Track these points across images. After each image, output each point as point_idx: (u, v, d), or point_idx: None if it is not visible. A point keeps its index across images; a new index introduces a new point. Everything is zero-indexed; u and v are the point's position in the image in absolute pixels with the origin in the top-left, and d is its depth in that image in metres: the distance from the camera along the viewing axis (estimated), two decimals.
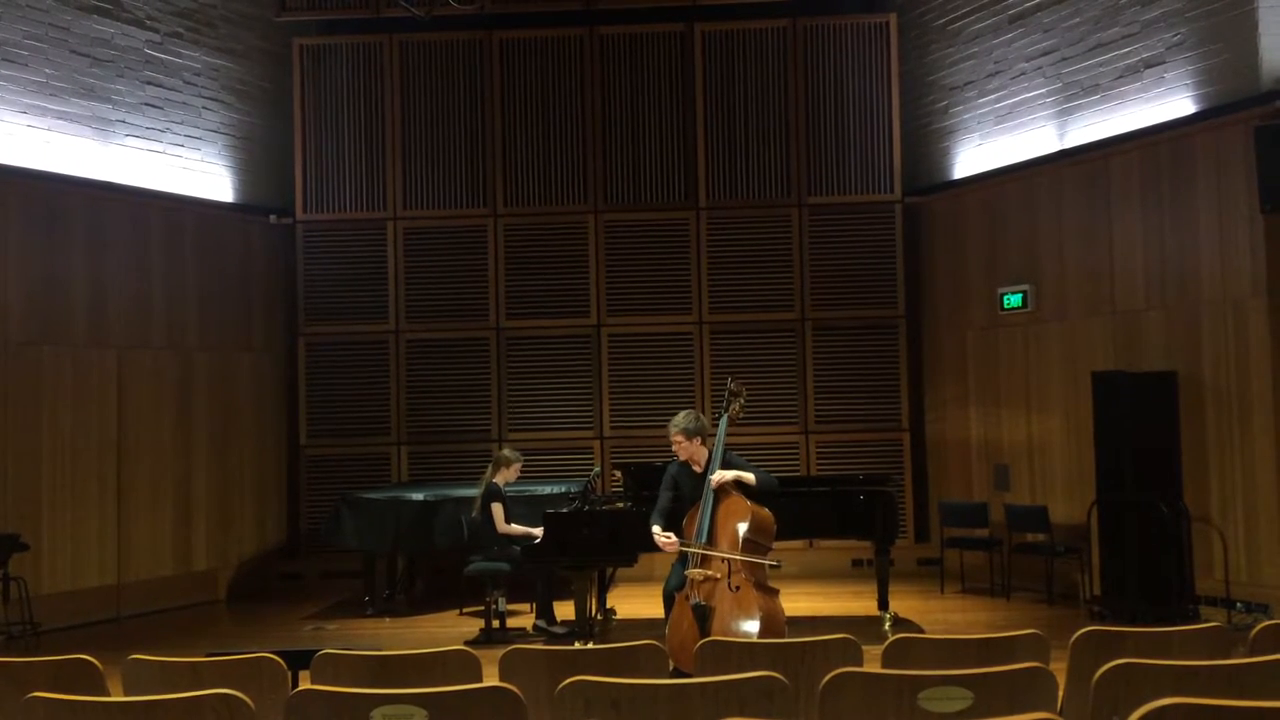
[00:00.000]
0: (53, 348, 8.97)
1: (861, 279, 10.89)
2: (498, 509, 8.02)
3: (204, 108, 10.41)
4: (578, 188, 11.07)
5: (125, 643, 7.10)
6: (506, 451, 8.41)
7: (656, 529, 6.34)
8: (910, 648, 3.73)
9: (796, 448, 10.80)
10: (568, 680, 3.07)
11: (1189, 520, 8.10)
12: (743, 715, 2.94)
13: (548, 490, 9.23)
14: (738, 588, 5.83)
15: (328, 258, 11.05)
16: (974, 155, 10.42)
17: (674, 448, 6.45)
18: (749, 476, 6.15)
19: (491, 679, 3.27)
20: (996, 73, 10.12)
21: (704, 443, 6.47)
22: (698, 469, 6.43)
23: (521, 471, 8.48)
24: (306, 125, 11.09)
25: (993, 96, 10.17)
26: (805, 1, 11.05)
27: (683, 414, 6.50)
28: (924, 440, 10.92)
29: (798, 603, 8.06)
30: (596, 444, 10.88)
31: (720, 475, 6.06)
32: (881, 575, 7.85)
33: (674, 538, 6.23)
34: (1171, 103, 8.53)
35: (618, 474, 9.11)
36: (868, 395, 10.84)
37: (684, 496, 6.44)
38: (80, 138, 9.31)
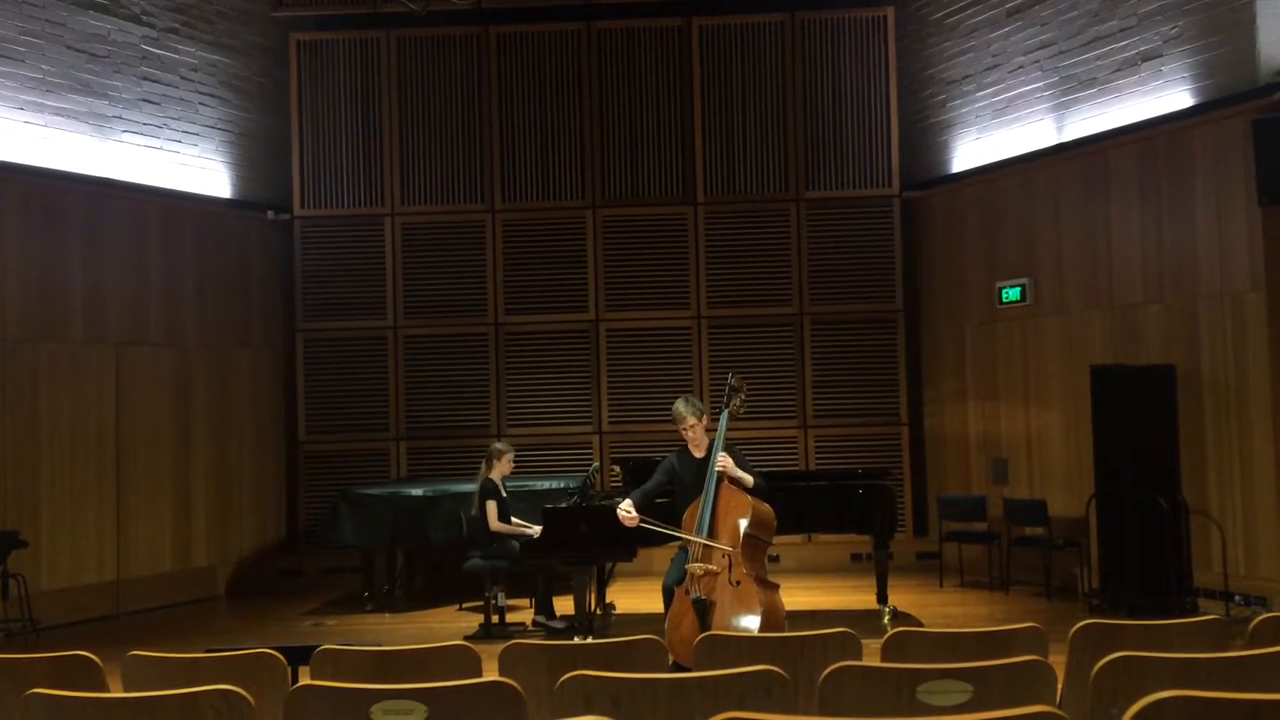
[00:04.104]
0: (50, 344, 8.96)
1: (859, 273, 10.89)
2: (490, 506, 7.99)
3: (201, 103, 10.40)
4: (576, 183, 11.06)
5: (125, 639, 7.10)
6: (498, 444, 8.38)
7: (625, 503, 6.39)
8: (909, 641, 3.73)
9: (795, 442, 10.81)
10: (567, 675, 3.07)
11: (1187, 513, 8.10)
12: (742, 709, 2.94)
13: (547, 486, 9.23)
14: (738, 582, 5.84)
15: (326, 254, 11.04)
16: (972, 149, 10.41)
17: (689, 433, 6.46)
18: (748, 479, 6.17)
19: (491, 674, 3.27)
20: (994, 66, 10.12)
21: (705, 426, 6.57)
22: (698, 453, 6.45)
23: (518, 464, 8.47)
24: (304, 121, 11.08)
25: (990, 90, 10.17)
26: None
27: (683, 400, 6.53)
28: (922, 434, 10.92)
29: (797, 597, 8.08)
30: (595, 439, 10.89)
31: (725, 459, 6.08)
32: (880, 569, 7.87)
33: (634, 514, 6.29)
34: (1169, 96, 8.52)
35: (617, 469, 9.12)
36: (866, 390, 10.84)
37: (682, 486, 6.45)
38: (77, 134, 9.30)
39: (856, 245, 10.91)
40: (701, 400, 10.15)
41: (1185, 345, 8.38)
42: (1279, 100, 7.67)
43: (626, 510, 6.36)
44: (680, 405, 6.52)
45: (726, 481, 6.13)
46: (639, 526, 6.37)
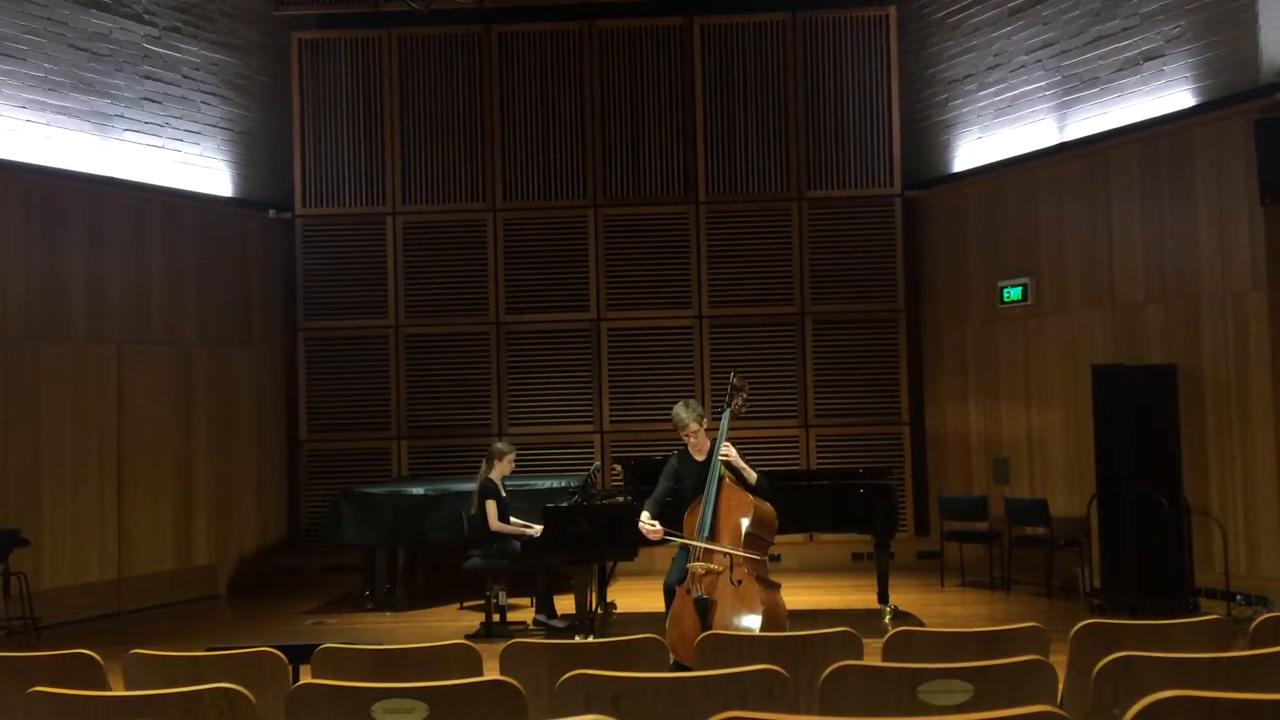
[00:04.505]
0: (52, 343, 8.96)
1: (861, 273, 10.88)
2: (490, 506, 7.99)
3: (203, 102, 10.40)
4: (577, 182, 11.06)
5: (126, 637, 7.10)
6: (499, 444, 8.36)
7: (645, 515, 6.38)
8: (910, 641, 3.73)
9: (796, 442, 10.80)
10: (568, 674, 3.07)
11: (1188, 513, 8.10)
12: (743, 709, 2.94)
13: (548, 485, 9.22)
14: (739, 581, 5.84)
15: (327, 252, 11.04)
16: (974, 148, 10.41)
17: (692, 439, 6.45)
18: (751, 474, 6.18)
19: (492, 673, 3.27)
20: (996, 65, 10.11)
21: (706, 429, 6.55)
22: (700, 456, 6.45)
23: (519, 464, 8.47)
24: (305, 120, 11.08)
25: (992, 89, 10.16)
26: None
27: (683, 405, 6.51)
28: (924, 434, 10.92)
29: (798, 596, 8.07)
30: (596, 438, 10.88)
31: (728, 448, 6.08)
32: (881, 569, 7.86)
33: (659, 527, 6.27)
34: (1171, 95, 8.52)
35: (618, 468, 9.11)
36: (867, 389, 10.84)
37: (685, 488, 6.45)
38: (79, 132, 9.30)
39: (858, 244, 10.90)
40: (703, 400, 10.18)
41: (1187, 345, 8.37)
42: None
43: (651, 525, 6.32)
44: (681, 411, 6.48)
45: (728, 482, 6.12)
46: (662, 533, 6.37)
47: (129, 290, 9.57)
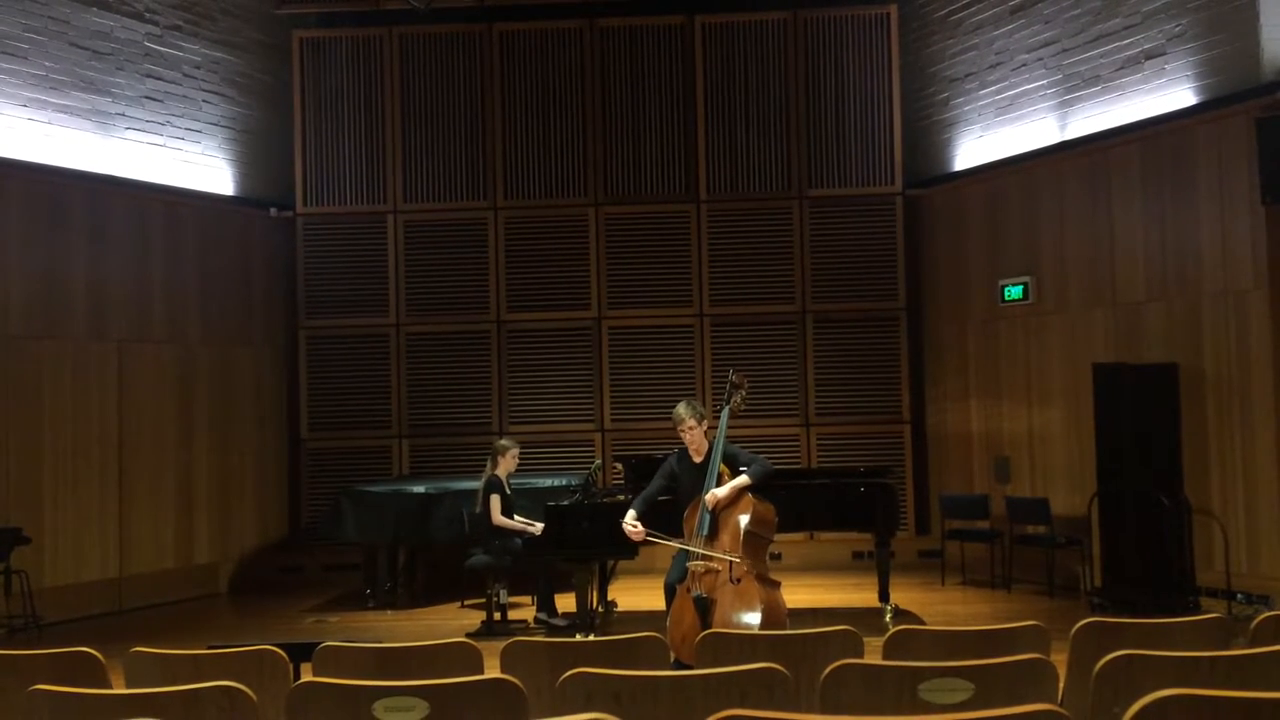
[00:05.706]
0: (53, 341, 8.97)
1: (862, 271, 10.88)
2: (494, 501, 8.01)
3: (204, 101, 10.40)
4: (578, 180, 11.05)
5: (127, 636, 7.10)
6: (503, 440, 8.39)
7: (630, 515, 6.39)
8: (911, 639, 3.73)
9: (797, 440, 10.80)
10: (569, 672, 3.07)
11: (1189, 511, 8.10)
12: (743, 707, 2.94)
13: (549, 483, 9.23)
14: (739, 580, 5.84)
15: (328, 251, 11.04)
16: (975, 147, 10.40)
17: (688, 435, 6.45)
18: (744, 481, 6.15)
19: (493, 671, 3.27)
20: (997, 64, 10.11)
21: (705, 430, 6.53)
22: (697, 458, 6.45)
23: (521, 460, 8.48)
24: (306, 118, 11.08)
25: (994, 88, 10.16)
26: None
27: (685, 404, 6.53)
28: (925, 432, 10.92)
29: (799, 594, 8.07)
30: (597, 437, 10.89)
31: (714, 496, 6.05)
32: (882, 567, 7.86)
33: (640, 528, 6.30)
34: (1172, 94, 8.51)
35: (619, 466, 9.12)
36: (868, 387, 10.83)
37: (682, 488, 6.45)
38: (81, 131, 9.30)
39: (859, 243, 10.90)
40: (703, 398, 10.19)
41: (1188, 343, 8.37)
42: None
43: (632, 525, 6.36)
44: (681, 408, 6.51)
45: (727, 482, 6.13)
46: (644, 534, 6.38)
47: (130, 288, 9.57)
